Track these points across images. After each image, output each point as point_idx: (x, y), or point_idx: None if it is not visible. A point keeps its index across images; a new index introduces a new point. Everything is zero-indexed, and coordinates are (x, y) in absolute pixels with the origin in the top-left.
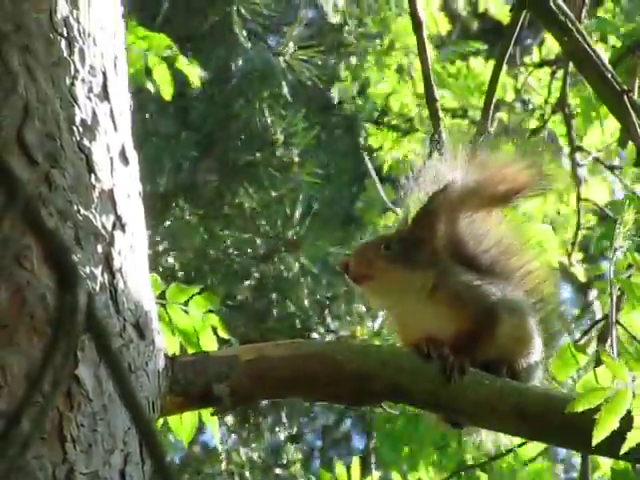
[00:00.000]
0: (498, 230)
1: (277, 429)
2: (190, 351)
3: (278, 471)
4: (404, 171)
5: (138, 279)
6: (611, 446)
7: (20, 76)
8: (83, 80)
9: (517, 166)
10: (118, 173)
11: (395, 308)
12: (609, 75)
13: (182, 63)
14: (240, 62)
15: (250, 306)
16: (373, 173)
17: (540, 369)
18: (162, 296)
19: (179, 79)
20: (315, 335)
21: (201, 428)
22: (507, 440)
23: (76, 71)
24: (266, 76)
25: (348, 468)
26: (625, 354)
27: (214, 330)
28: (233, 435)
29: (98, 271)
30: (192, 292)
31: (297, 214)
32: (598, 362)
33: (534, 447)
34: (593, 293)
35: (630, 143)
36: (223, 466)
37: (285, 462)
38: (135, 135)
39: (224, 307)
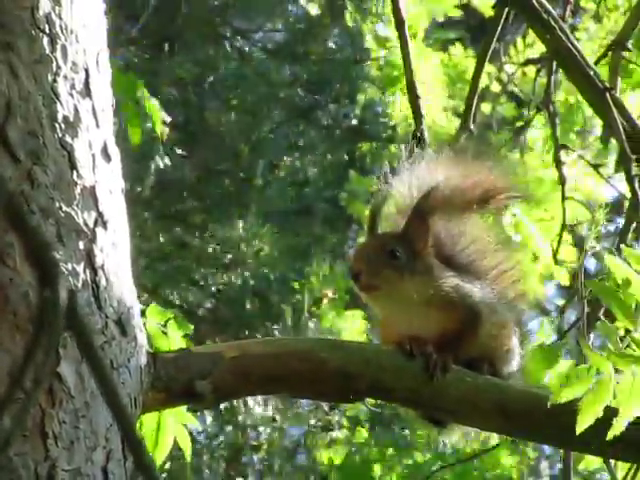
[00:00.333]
0: (473, 230)
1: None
2: None
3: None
4: (385, 165)
5: (120, 276)
6: (592, 442)
7: (2, 73)
8: (65, 77)
9: (495, 171)
10: (100, 170)
11: (390, 312)
12: (592, 73)
13: (151, 106)
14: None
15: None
16: None
17: (518, 366)
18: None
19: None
20: None
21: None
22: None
23: (58, 68)
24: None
25: None
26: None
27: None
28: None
29: (80, 268)
30: (169, 316)
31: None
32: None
33: None
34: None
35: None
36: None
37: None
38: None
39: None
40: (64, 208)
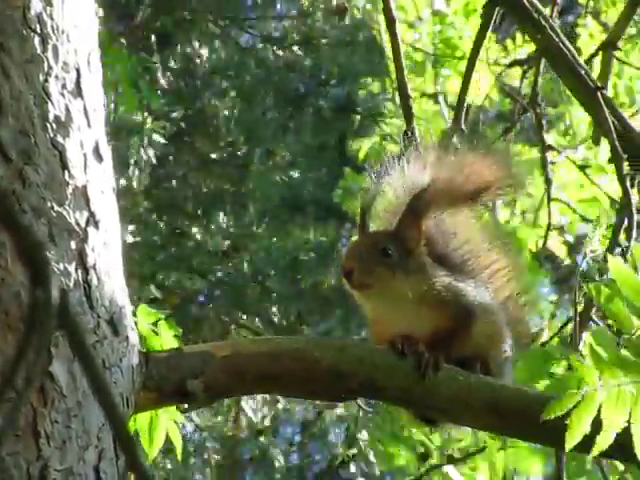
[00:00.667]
0: (467, 229)
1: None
2: None
3: None
4: (377, 163)
5: (112, 275)
6: (585, 443)
7: None
8: (57, 77)
9: (486, 165)
10: (92, 170)
11: (382, 311)
12: (582, 72)
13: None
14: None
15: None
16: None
17: (511, 365)
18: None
19: None
20: None
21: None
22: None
23: (49, 68)
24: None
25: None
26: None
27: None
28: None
29: (72, 268)
30: (159, 316)
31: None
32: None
33: None
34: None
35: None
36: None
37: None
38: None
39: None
40: (56, 208)
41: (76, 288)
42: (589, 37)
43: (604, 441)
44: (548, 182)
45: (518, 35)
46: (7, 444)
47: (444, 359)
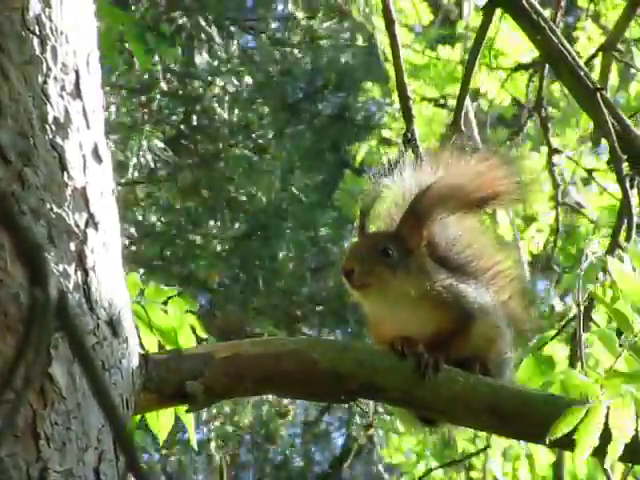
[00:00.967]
0: (470, 232)
1: None
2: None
3: None
4: (377, 164)
5: (111, 277)
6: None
7: None
8: (55, 78)
9: (495, 174)
10: (91, 171)
11: (382, 311)
12: (582, 73)
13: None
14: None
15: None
16: None
17: (511, 366)
18: (141, 295)
19: None
20: None
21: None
22: None
23: (48, 69)
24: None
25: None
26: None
27: (193, 330)
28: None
29: (71, 269)
30: (170, 293)
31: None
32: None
33: None
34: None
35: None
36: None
37: None
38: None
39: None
40: (55, 209)
41: (75, 290)
42: (587, 40)
43: (614, 450)
44: (556, 185)
45: None
46: (6, 445)
47: (444, 360)
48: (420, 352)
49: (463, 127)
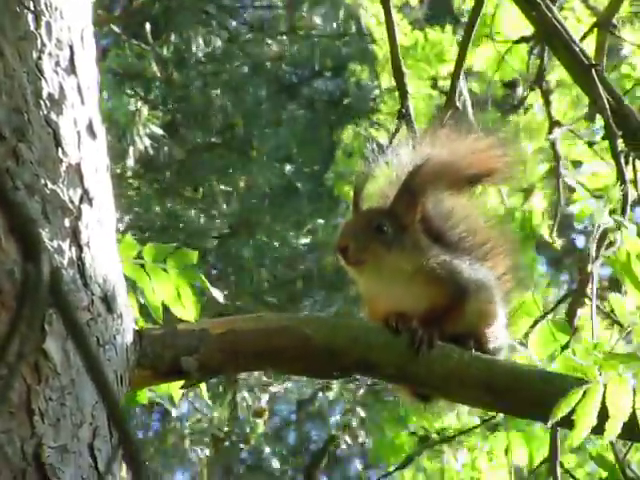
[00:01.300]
0: (464, 208)
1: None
2: (172, 310)
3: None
4: (370, 143)
5: (106, 253)
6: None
7: None
8: (50, 54)
9: (489, 151)
10: (85, 147)
11: (377, 287)
12: (577, 49)
13: None
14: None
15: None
16: None
17: (505, 342)
18: (138, 257)
19: None
20: None
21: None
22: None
23: (43, 45)
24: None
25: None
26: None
27: (195, 288)
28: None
29: (66, 245)
30: (168, 250)
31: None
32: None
33: None
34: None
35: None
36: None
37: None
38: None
39: None
40: (49, 185)
41: (70, 266)
42: (577, 21)
43: (612, 429)
44: (557, 158)
45: None
46: (1, 421)
47: (438, 336)
48: (414, 328)
49: (458, 104)
